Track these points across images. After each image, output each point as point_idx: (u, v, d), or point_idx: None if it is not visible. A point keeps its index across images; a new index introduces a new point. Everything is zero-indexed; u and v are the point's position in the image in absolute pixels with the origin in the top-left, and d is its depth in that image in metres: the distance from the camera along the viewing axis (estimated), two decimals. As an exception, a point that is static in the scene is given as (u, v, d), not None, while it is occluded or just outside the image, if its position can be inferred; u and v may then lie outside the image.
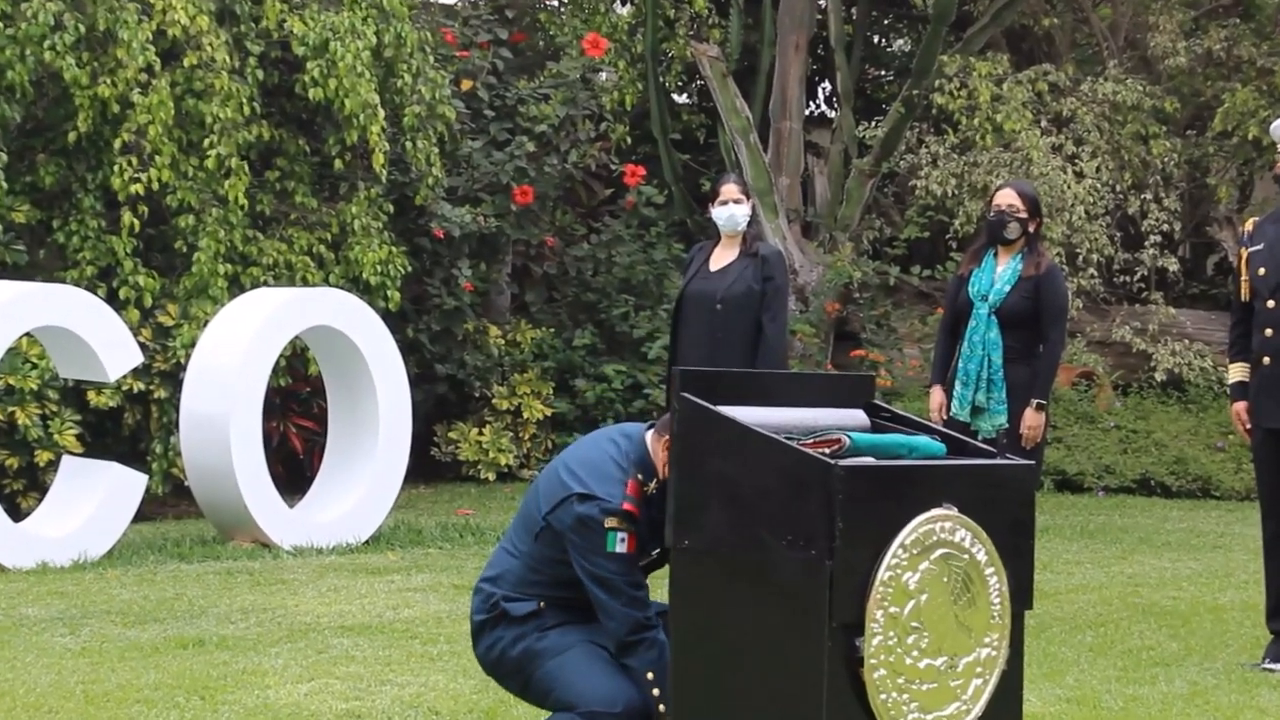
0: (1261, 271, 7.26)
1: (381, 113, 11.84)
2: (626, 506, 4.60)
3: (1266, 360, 7.22)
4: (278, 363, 10.75)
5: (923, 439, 4.54)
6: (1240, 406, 7.35)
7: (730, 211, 8.75)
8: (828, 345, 14.39)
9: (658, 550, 4.71)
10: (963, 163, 14.37)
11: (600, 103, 14.06)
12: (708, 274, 8.78)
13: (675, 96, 16.83)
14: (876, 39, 18.03)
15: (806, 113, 16.11)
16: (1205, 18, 15.38)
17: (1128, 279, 14.95)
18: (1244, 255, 7.38)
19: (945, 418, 7.94)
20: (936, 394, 8.11)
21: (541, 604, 4.78)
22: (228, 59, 11.41)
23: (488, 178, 13.50)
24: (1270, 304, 7.22)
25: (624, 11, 16.05)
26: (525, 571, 4.80)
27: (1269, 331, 7.22)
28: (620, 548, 4.60)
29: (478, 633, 4.89)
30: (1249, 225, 7.50)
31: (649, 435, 4.71)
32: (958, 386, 8.00)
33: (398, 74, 12.29)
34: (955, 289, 8.17)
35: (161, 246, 11.88)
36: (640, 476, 4.65)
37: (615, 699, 4.64)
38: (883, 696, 4.11)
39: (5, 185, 11.11)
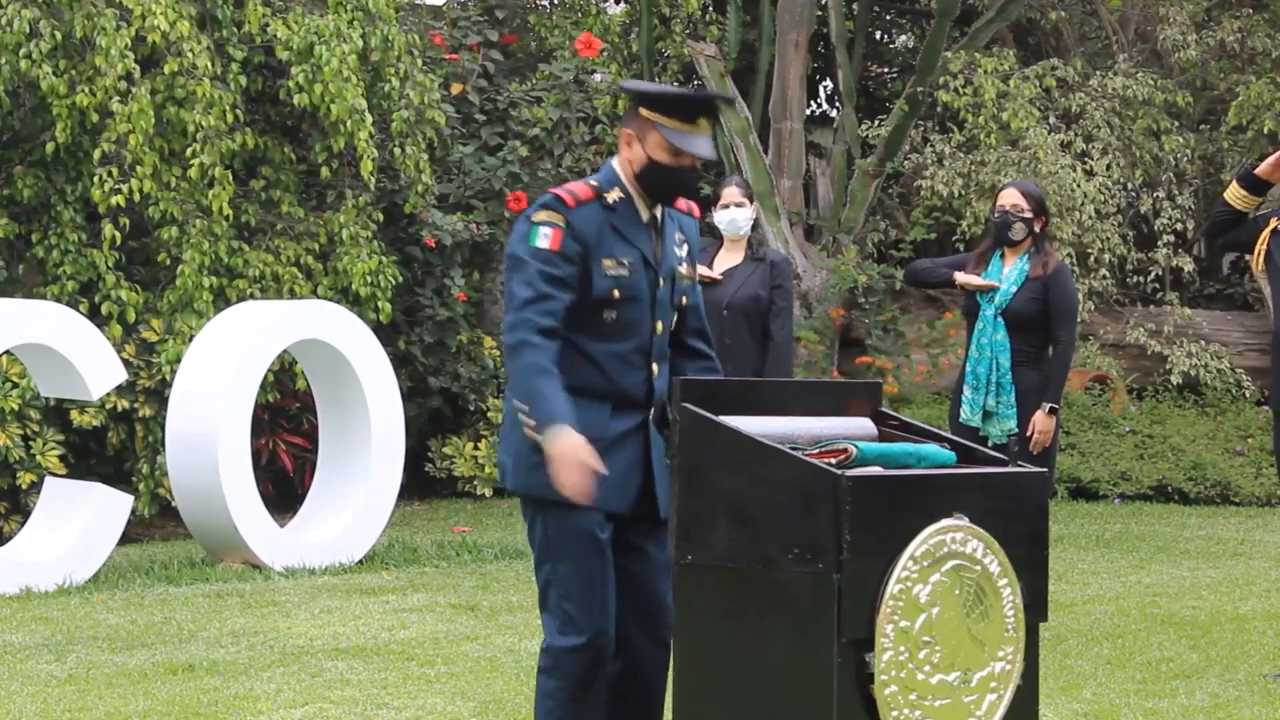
0: None
1: (369, 118, 11.82)
2: (557, 192, 4.64)
3: None
4: (265, 378, 10.75)
5: (931, 448, 4.55)
6: None
7: (732, 215, 8.67)
8: (833, 352, 14.43)
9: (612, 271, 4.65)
10: (969, 162, 14.41)
11: (594, 105, 14.08)
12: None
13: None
14: (879, 35, 18.09)
15: (808, 112, 16.14)
16: (1217, 9, 15.42)
17: (1141, 279, 14.99)
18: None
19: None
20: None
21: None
22: (209, 65, 11.41)
23: (480, 184, 13.49)
24: None
25: (617, 11, 16.00)
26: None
27: None
28: (541, 242, 4.59)
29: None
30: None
31: (615, 158, 4.75)
32: (967, 391, 8.06)
33: (385, 78, 12.28)
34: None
35: (144, 259, 11.96)
36: (596, 183, 4.67)
37: (582, 629, 4.66)
38: (894, 714, 4.15)
39: (-18, 199, 11.30)
